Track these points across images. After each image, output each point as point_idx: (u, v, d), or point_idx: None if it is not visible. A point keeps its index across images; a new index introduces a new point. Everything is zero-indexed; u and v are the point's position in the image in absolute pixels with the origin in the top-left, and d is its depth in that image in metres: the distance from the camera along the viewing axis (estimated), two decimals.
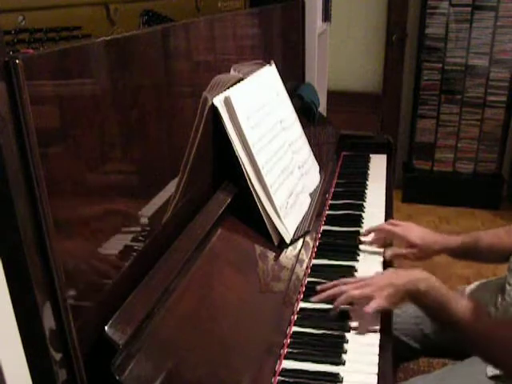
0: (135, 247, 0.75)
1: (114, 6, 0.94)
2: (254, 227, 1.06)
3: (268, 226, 1.08)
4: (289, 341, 0.93)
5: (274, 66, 1.39)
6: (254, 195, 1.06)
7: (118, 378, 0.60)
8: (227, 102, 1.02)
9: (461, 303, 0.93)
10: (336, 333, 0.95)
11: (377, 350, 0.91)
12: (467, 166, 3.29)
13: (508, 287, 1.03)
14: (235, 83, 1.12)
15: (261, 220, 1.07)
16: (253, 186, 1.05)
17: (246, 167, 1.04)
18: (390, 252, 1.22)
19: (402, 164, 3.44)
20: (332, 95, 2.61)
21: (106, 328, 0.61)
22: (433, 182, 3.34)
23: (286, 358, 0.89)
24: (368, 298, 0.96)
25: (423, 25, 3.08)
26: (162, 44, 0.83)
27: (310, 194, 1.35)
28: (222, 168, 1.06)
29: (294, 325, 0.97)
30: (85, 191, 0.63)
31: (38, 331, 0.53)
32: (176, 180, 0.89)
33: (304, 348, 0.91)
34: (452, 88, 3.16)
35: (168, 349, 0.70)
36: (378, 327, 0.96)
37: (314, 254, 1.21)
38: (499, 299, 1.10)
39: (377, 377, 0.85)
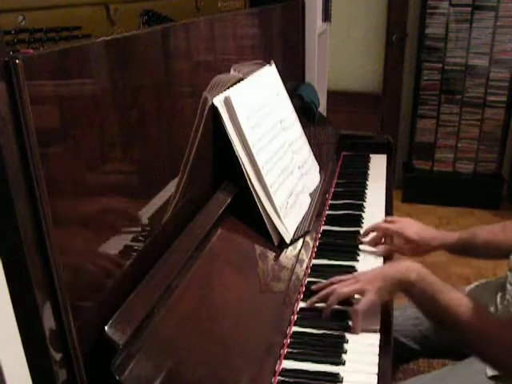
0: (135, 247, 0.75)
1: (114, 5, 0.94)
2: (254, 227, 1.06)
3: (268, 226, 1.08)
4: (289, 341, 0.93)
5: (273, 65, 1.39)
6: (254, 195, 1.06)
7: (117, 377, 0.60)
8: (227, 102, 1.02)
9: (452, 294, 0.92)
10: (336, 333, 0.95)
11: (377, 350, 0.91)
12: (467, 165, 3.29)
13: (509, 287, 1.03)
14: (235, 83, 1.12)
15: (261, 220, 1.07)
16: (253, 186, 1.05)
17: (246, 167, 1.04)
18: (383, 248, 1.22)
19: (401, 164, 3.44)
20: (332, 95, 2.61)
21: (106, 328, 0.61)
22: (433, 182, 3.34)
23: (286, 358, 0.89)
24: (360, 294, 0.97)
25: (423, 25, 3.08)
26: (162, 44, 0.83)
27: (310, 194, 1.35)
28: (222, 168, 1.06)
29: (294, 325, 0.97)
30: (85, 191, 0.63)
31: (38, 331, 0.53)
32: (176, 180, 0.89)
33: (304, 348, 0.91)
34: (452, 88, 3.16)
35: (168, 349, 0.70)
36: (378, 327, 0.96)
37: (314, 254, 1.21)
38: (498, 299, 1.10)
39: (377, 377, 0.85)
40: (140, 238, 0.76)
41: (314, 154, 1.50)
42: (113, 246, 0.69)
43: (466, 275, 2.54)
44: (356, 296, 0.99)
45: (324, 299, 1.00)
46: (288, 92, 1.43)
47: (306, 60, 2.02)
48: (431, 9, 3.05)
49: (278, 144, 1.21)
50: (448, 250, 1.24)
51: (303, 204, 1.27)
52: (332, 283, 1.03)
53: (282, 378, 0.84)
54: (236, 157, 1.03)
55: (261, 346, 0.85)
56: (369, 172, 1.72)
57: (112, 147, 0.69)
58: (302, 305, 1.03)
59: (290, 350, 0.91)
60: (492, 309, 1.11)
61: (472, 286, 1.29)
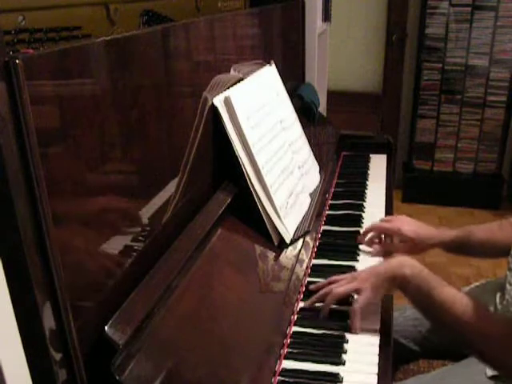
0: (135, 247, 0.75)
1: (114, 5, 0.94)
2: (254, 227, 1.06)
3: (268, 226, 1.08)
4: (289, 341, 0.93)
5: (273, 65, 1.39)
6: (254, 195, 1.06)
7: (117, 378, 0.60)
8: (227, 102, 1.02)
9: (447, 290, 0.91)
10: (336, 333, 0.95)
11: (377, 350, 0.91)
12: (467, 165, 3.29)
13: (508, 287, 1.03)
14: (235, 83, 1.12)
15: (261, 220, 1.07)
16: (253, 186, 1.05)
17: (246, 167, 1.04)
18: (378, 247, 1.22)
19: (401, 164, 3.44)
20: (332, 95, 2.61)
21: (106, 328, 0.61)
22: (433, 182, 3.34)
23: (286, 358, 0.89)
24: (356, 292, 0.97)
25: (423, 25, 3.08)
26: (162, 44, 0.83)
27: (310, 194, 1.35)
28: (222, 168, 1.06)
29: (294, 325, 0.97)
30: (85, 191, 0.63)
31: (38, 331, 0.53)
32: (176, 180, 0.89)
33: (304, 348, 0.91)
34: (452, 88, 3.16)
35: (168, 349, 0.70)
36: (377, 327, 0.96)
37: (314, 254, 1.21)
38: (497, 299, 1.10)
39: (377, 377, 0.85)
40: (140, 237, 0.76)
41: (314, 154, 1.50)
42: (113, 246, 0.69)
43: (465, 275, 2.54)
44: (355, 296, 0.99)
45: (322, 299, 1.00)
46: (288, 92, 1.43)
47: (306, 60, 2.02)
48: (431, 9, 3.05)
49: (277, 144, 1.21)
50: (444, 248, 1.23)
51: (303, 204, 1.27)
52: (330, 283, 1.03)
53: (282, 378, 0.84)
54: (236, 157, 1.03)
55: (261, 346, 0.85)
56: (369, 172, 1.72)
57: (112, 147, 0.69)
58: (302, 305, 1.03)
59: (290, 350, 0.91)
60: (491, 309, 1.11)
61: (472, 286, 1.29)
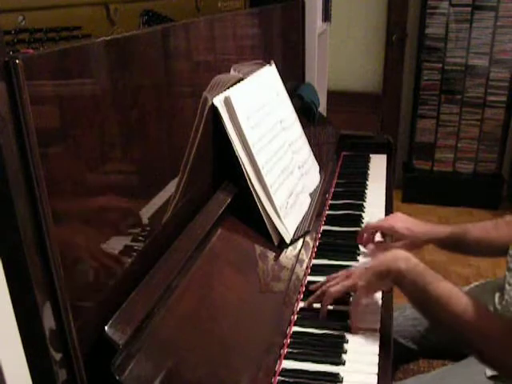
0: (135, 247, 0.75)
1: (114, 5, 0.94)
2: (254, 227, 1.06)
3: (268, 226, 1.08)
4: (289, 341, 0.93)
5: (273, 65, 1.39)
6: (254, 195, 1.06)
7: (117, 378, 0.60)
8: (227, 102, 1.02)
9: (443, 285, 0.89)
10: (336, 333, 0.95)
11: (377, 350, 0.91)
12: (467, 165, 3.29)
13: (508, 287, 1.03)
14: (235, 83, 1.12)
15: (261, 220, 1.07)
16: (253, 186, 1.05)
17: (246, 167, 1.04)
18: (372, 246, 1.22)
19: (402, 164, 3.44)
20: (332, 95, 2.61)
21: (106, 328, 0.61)
22: (433, 182, 3.34)
23: (286, 358, 0.89)
24: (352, 290, 0.97)
25: (423, 25, 3.08)
26: (162, 44, 0.83)
27: (310, 194, 1.35)
28: (222, 168, 1.06)
29: (294, 325, 0.97)
30: (85, 191, 0.63)
31: (38, 331, 0.53)
32: (176, 180, 0.89)
33: (304, 348, 0.91)
34: (452, 88, 3.16)
35: (168, 349, 0.70)
36: (378, 327, 0.97)
37: (314, 254, 1.21)
38: (497, 299, 1.10)
39: (377, 377, 0.85)
40: (140, 237, 0.76)
41: (314, 154, 1.50)
42: (113, 246, 0.69)
43: (465, 275, 2.54)
44: (352, 294, 0.99)
45: (320, 300, 1.01)
46: (288, 92, 1.43)
47: (306, 60, 2.02)
48: (431, 9, 3.05)
49: (278, 144, 1.21)
50: (439, 244, 1.22)
51: (303, 204, 1.27)
52: (328, 281, 1.03)
53: (282, 378, 0.84)
54: (236, 157, 1.03)
55: (261, 346, 0.85)
56: (369, 172, 1.72)
57: (112, 147, 0.69)
58: (302, 305, 1.03)
59: (290, 350, 0.91)
60: (491, 309, 1.11)
61: (471, 286, 1.29)
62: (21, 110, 0.49)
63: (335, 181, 1.63)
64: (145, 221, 0.78)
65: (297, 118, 1.45)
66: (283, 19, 1.68)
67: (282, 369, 0.87)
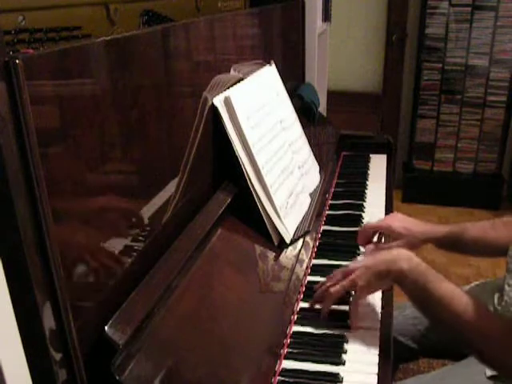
0: (135, 247, 0.75)
1: (114, 5, 0.94)
2: (254, 227, 1.06)
3: (268, 226, 1.08)
4: (289, 341, 0.93)
5: (273, 65, 1.39)
6: (254, 195, 1.06)
7: (118, 378, 0.60)
8: (227, 102, 1.02)
9: (445, 285, 0.89)
10: (336, 333, 0.95)
11: (377, 349, 0.91)
12: (467, 165, 3.29)
13: (507, 288, 1.03)
14: (235, 83, 1.12)
15: (261, 220, 1.07)
16: (253, 186, 1.05)
17: (246, 167, 1.04)
18: (371, 246, 1.22)
19: (402, 164, 3.44)
20: (332, 95, 2.61)
21: (106, 328, 0.61)
22: (433, 182, 3.34)
23: (286, 358, 0.89)
24: (352, 289, 0.97)
25: (423, 25, 3.08)
26: (162, 44, 0.83)
27: (310, 194, 1.35)
28: (222, 168, 1.06)
29: (294, 324, 0.97)
30: (85, 191, 0.63)
31: (38, 331, 0.53)
32: (176, 180, 0.89)
33: (304, 348, 0.91)
34: (452, 88, 3.16)
35: (168, 349, 0.70)
36: (378, 326, 0.97)
37: (313, 254, 1.21)
38: (496, 300, 1.10)
39: (377, 377, 0.85)
40: (140, 237, 0.76)
41: (314, 154, 1.50)
42: (113, 246, 0.69)
43: (465, 275, 2.54)
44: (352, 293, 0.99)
45: (321, 300, 1.00)
46: (288, 92, 1.43)
47: (306, 60, 2.02)
48: (431, 9, 3.05)
49: (278, 144, 1.21)
50: (437, 243, 1.21)
51: (303, 204, 1.27)
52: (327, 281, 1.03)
53: (282, 378, 0.84)
54: (236, 157, 1.03)
55: (261, 346, 0.85)
56: (369, 172, 1.72)
57: (112, 147, 0.69)
58: (302, 305, 1.03)
59: (290, 350, 0.91)
60: (490, 309, 1.11)
61: (471, 285, 1.29)
62: (21, 110, 0.49)
63: (335, 181, 1.63)
64: (145, 221, 0.78)
65: (297, 118, 1.45)
66: (283, 19, 1.68)
67: (282, 369, 0.87)
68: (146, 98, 0.78)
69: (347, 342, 0.93)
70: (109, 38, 0.68)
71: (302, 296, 1.06)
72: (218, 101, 1.01)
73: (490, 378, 0.98)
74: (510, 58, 3.04)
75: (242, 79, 1.16)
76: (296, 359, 0.89)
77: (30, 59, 0.52)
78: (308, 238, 1.20)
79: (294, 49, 1.89)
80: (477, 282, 1.29)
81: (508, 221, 1.16)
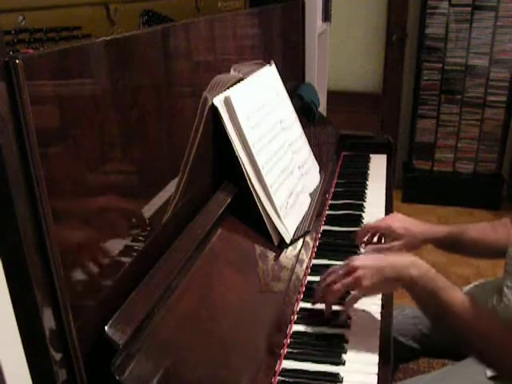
0: (135, 247, 0.75)
1: (114, 5, 0.94)
2: (254, 227, 1.06)
3: (268, 226, 1.08)
4: (289, 341, 0.93)
5: (273, 65, 1.39)
6: (254, 195, 1.06)
7: (118, 378, 0.60)
8: (227, 102, 1.02)
9: (454, 294, 0.89)
10: (336, 333, 0.95)
11: (377, 349, 0.91)
12: (467, 166, 3.29)
13: (506, 290, 1.03)
14: (235, 83, 1.12)
15: (261, 220, 1.07)
16: (253, 186, 1.05)
17: (246, 167, 1.04)
18: (371, 247, 1.22)
19: (402, 164, 3.44)
20: (332, 95, 2.61)
21: (106, 328, 0.61)
22: (433, 182, 3.34)
23: (286, 358, 0.89)
24: (355, 286, 0.95)
25: (423, 25, 3.08)
26: (162, 44, 0.83)
27: (310, 194, 1.35)
28: (222, 168, 1.06)
29: (294, 324, 0.97)
30: (85, 191, 0.63)
31: (38, 331, 0.53)
32: (176, 180, 0.89)
33: (304, 348, 0.91)
34: (452, 88, 3.16)
35: (168, 349, 0.70)
36: (378, 326, 0.96)
37: (314, 254, 1.21)
38: (494, 301, 1.10)
39: (377, 377, 0.85)
40: (140, 237, 0.76)
41: (314, 154, 1.50)
42: (113, 246, 0.69)
43: (465, 275, 2.54)
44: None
45: (323, 299, 1.00)
46: (288, 92, 1.43)
47: (306, 60, 2.02)
48: (431, 9, 3.05)
49: (278, 144, 1.21)
50: (437, 244, 1.21)
51: (303, 204, 1.27)
52: (329, 274, 1.01)
53: (282, 378, 0.84)
54: (236, 157, 1.03)
55: (261, 346, 0.85)
56: (369, 172, 1.72)
57: (112, 147, 0.69)
58: (302, 305, 1.03)
59: (290, 350, 0.91)
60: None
61: (471, 285, 1.29)
62: (21, 110, 0.49)
63: (335, 181, 1.63)
64: (145, 221, 0.78)
65: (297, 118, 1.45)
66: (283, 19, 1.68)
67: (282, 369, 0.87)
68: (146, 98, 0.78)
69: (347, 341, 0.93)
70: (109, 38, 0.68)
71: (301, 296, 1.06)
72: (218, 101, 1.01)
73: (491, 378, 0.98)
74: (509, 58, 3.04)
75: (242, 79, 1.16)
76: (296, 359, 0.89)
77: (30, 59, 0.52)
78: (308, 238, 1.20)
79: (294, 49, 1.89)
80: (476, 283, 1.29)
81: (507, 222, 1.16)
